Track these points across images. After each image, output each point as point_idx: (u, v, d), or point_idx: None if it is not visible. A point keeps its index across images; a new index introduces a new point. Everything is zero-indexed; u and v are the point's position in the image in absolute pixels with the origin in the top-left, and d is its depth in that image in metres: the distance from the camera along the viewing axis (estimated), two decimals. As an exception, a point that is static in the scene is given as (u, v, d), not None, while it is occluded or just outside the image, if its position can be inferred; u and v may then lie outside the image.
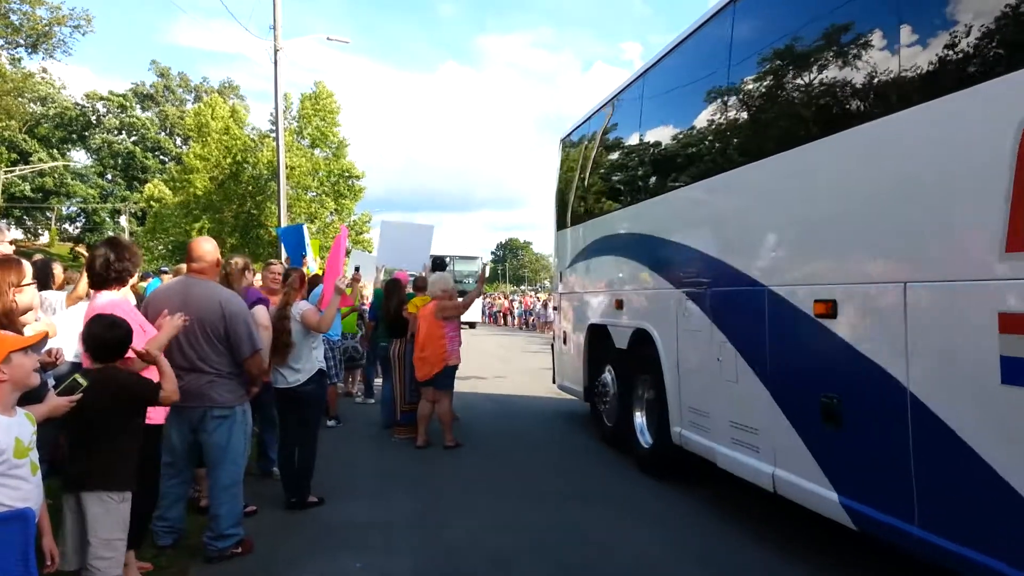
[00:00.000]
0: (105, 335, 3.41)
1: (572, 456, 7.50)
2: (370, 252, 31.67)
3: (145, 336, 3.91)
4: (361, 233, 36.02)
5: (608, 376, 7.86)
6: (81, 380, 3.20)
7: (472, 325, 33.77)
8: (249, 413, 4.77)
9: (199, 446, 4.57)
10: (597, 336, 7.86)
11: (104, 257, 3.99)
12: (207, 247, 4.66)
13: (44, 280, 5.62)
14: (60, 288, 6.05)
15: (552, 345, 9.67)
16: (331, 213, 34.83)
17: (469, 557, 4.60)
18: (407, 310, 8.43)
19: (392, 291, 8.71)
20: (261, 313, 5.41)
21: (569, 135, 9.47)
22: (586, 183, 8.41)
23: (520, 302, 43.70)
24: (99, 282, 4.02)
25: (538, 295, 43.61)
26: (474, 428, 8.81)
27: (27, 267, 3.50)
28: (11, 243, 4.65)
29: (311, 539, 4.94)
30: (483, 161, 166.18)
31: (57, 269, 6.16)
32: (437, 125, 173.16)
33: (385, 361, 8.90)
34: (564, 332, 9.25)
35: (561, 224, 9.41)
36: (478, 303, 35.36)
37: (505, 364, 17.61)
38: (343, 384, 10.87)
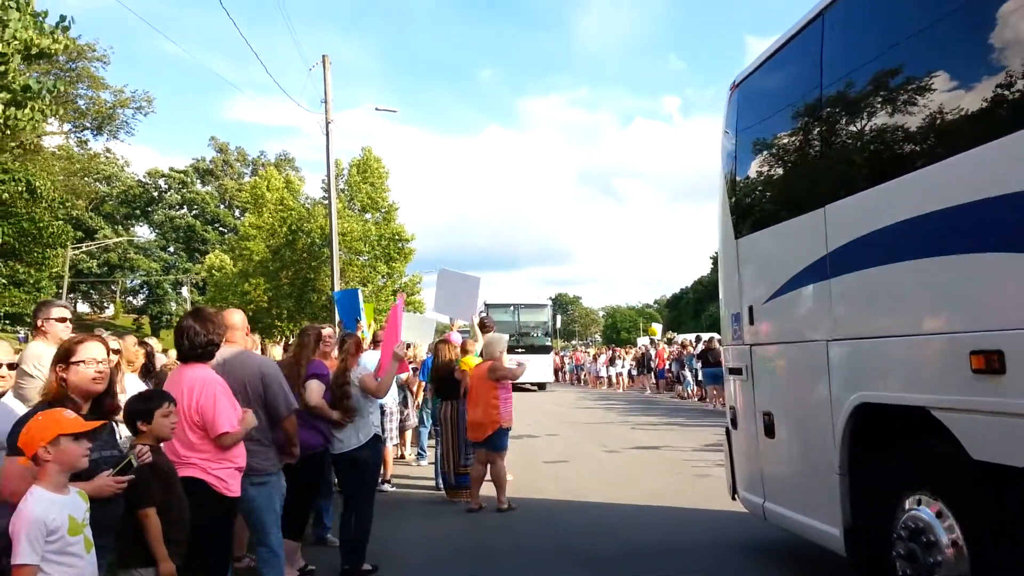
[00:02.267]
0: (131, 407, 3.51)
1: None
2: (422, 313, 32.01)
3: (236, 411, 4.01)
4: (412, 294, 36.45)
5: (929, 516, 3.57)
6: (135, 461, 3.25)
7: (542, 387, 30.80)
8: (283, 479, 4.81)
9: None
10: (880, 427, 4.02)
11: (191, 329, 4.00)
12: (237, 318, 4.84)
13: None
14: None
15: (727, 433, 5.90)
16: (383, 276, 35.42)
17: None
18: (459, 369, 8.42)
19: (440, 351, 8.66)
20: (314, 387, 5.51)
21: (753, 75, 5.66)
22: (841, 139, 4.42)
23: (571, 357, 43.45)
24: (187, 356, 4.06)
25: (588, 350, 43.28)
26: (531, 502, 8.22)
27: (88, 345, 3.48)
28: (64, 319, 4.66)
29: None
30: (528, 219, 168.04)
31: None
32: (483, 186, 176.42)
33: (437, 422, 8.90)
34: (766, 414, 5.09)
35: (743, 227, 5.54)
36: (550, 361, 32.34)
37: (560, 421, 17.39)
38: (394, 447, 10.86)
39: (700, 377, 21.94)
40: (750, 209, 5.66)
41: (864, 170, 4.18)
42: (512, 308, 30.75)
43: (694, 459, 10.84)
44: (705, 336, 24.60)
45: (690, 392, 23.76)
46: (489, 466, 7.83)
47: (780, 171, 5.30)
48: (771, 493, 5.19)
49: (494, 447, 7.76)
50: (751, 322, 5.38)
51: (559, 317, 35.68)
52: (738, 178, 5.78)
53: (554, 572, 5.67)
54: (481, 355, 8.36)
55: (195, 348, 4.02)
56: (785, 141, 5.14)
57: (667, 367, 27.00)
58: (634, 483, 9.18)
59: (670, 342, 31.15)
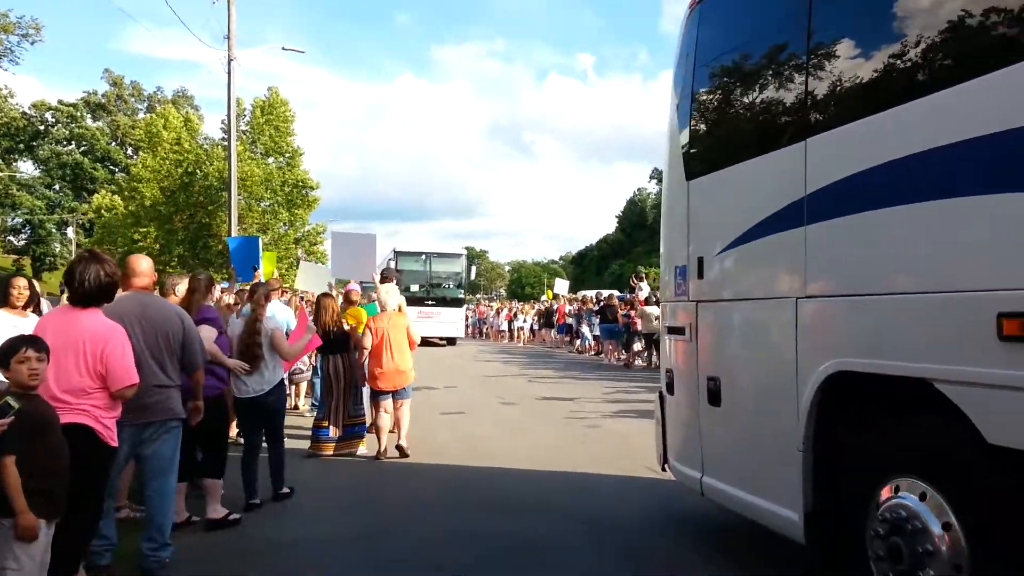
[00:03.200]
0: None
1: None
2: (323, 264, 31.41)
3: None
4: (315, 244, 35.76)
5: (917, 504, 3.07)
6: (13, 403, 3.17)
7: (452, 342, 28.95)
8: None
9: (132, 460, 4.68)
10: (857, 400, 3.49)
11: (88, 272, 3.90)
12: (146, 264, 4.78)
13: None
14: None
15: (660, 398, 5.43)
16: (284, 224, 34.53)
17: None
18: (347, 323, 8.33)
19: (324, 306, 8.24)
20: (206, 332, 5.47)
21: None
22: (834, 57, 3.63)
23: (475, 311, 43.71)
24: (82, 299, 3.94)
25: (492, 304, 43.59)
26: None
27: None
28: None
29: (242, 554, 5.01)
30: (439, 170, 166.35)
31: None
32: (393, 135, 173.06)
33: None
34: (712, 380, 4.52)
35: (697, 167, 4.84)
36: (462, 315, 30.07)
37: (460, 373, 17.63)
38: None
39: (597, 332, 22.61)
40: (708, 146, 4.85)
41: (865, 94, 3.41)
42: (424, 257, 28.94)
43: (585, 411, 11.30)
44: (605, 293, 25.27)
45: (587, 347, 24.46)
46: (396, 412, 8.06)
47: (750, 100, 4.43)
48: (711, 467, 4.64)
49: (405, 395, 8.06)
50: (700, 276, 4.68)
51: (474, 269, 33.81)
52: (695, 110, 4.97)
53: (451, 520, 5.73)
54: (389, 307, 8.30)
55: (90, 292, 3.92)
56: (759, 64, 4.30)
57: (567, 322, 27.65)
58: (529, 433, 9.51)
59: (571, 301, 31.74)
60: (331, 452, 8.03)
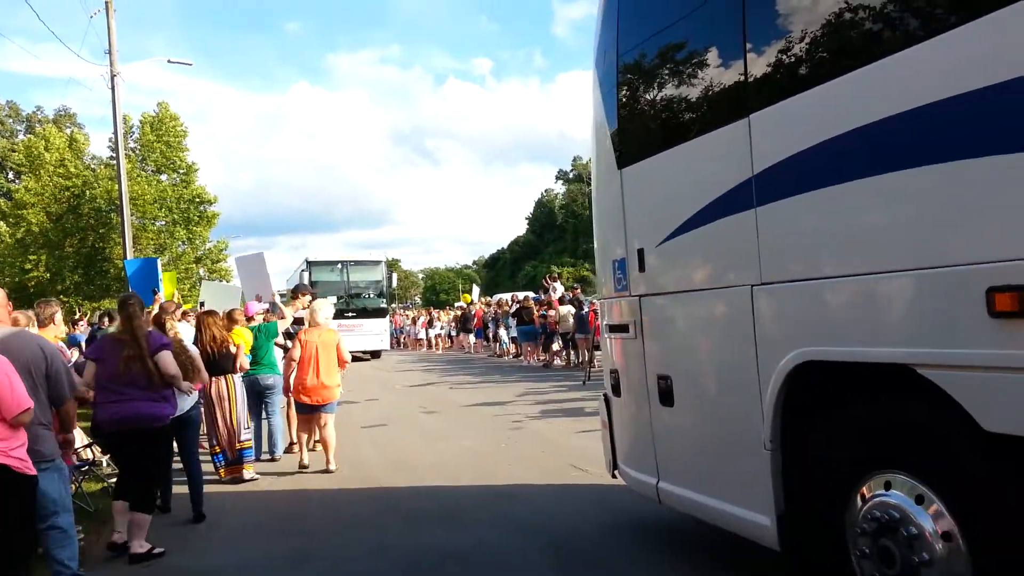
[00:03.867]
0: None
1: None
2: (228, 281, 30.34)
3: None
4: (217, 262, 34.49)
5: (906, 502, 2.84)
6: None
7: (376, 355, 27.18)
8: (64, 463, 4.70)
9: None
10: (825, 391, 3.27)
11: None
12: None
13: None
14: None
15: (606, 401, 5.05)
16: (182, 242, 33.16)
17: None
18: (232, 342, 7.89)
19: (205, 324, 7.76)
20: (168, 359, 5.47)
21: None
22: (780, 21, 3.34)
23: (391, 320, 43.13)
24: None
25: (407, 312, 43.18)
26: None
27: None
28: None
29: None
30: (343, 180, 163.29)
31: None
32: (292, 146, 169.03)
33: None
34: (663, 378, 4.24)
35: (630, 153, 4.51)
36: (386, 326, 28.01)
37: (380, 385, 17.30)
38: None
39: (515, 335, 22.65)
40: (639, 131, 4.52)
41: (815, 61, 3.14)
42: (340, 266, 27.16)
43: (508, 413, 11.24)
44: (520, 295, 25.40)
45: (506, 350, 24.49)
46: (321, 429, 8.03)
47: (682, 77, 4.05)
48: (668, 472, 4.31)
49: (330, 410, 8.02)
50: (641, 269, 4.37)
51: (394, 276, 31.30)
52: (622, 94, 4.59)
53: (380, 535, 5.58)
54: (308, 322, 8.49)
55: None
56: (690, 37, 3.96)
57: (484, 326, 27.62)
58: (453, 441, 9.37)
59: (488, 304, 31.68)
60: (223, 476, 7.68)
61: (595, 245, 5.13)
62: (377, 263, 28.47)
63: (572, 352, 18.63)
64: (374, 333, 26.23)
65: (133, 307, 5.49)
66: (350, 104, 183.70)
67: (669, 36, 4.14)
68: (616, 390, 4.84)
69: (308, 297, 9.75)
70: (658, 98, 4.34)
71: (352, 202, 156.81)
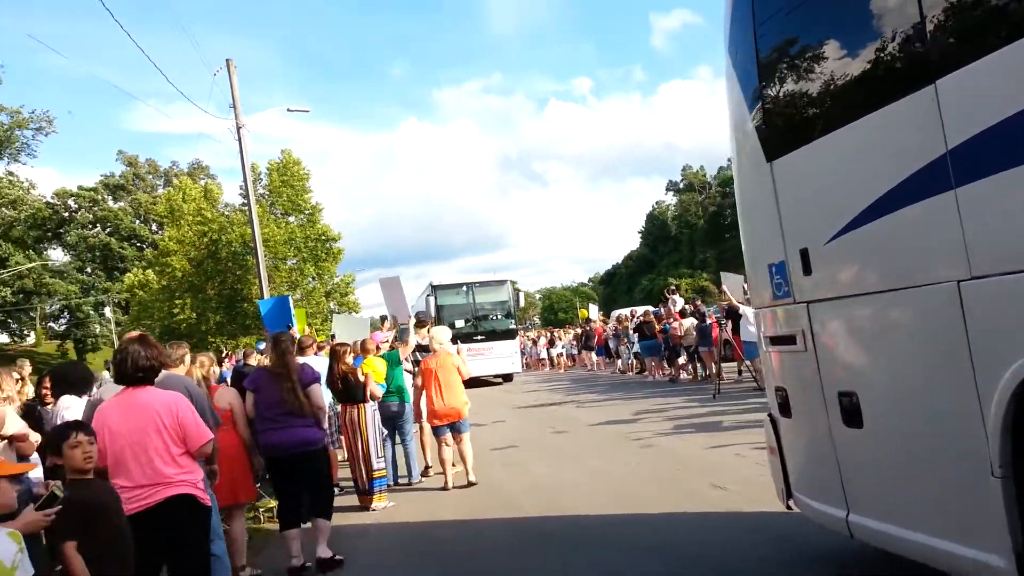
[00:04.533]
0: (48, 440, 3.48)
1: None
2: (356, 313, 31.51)
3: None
4: (345, 295, 36.00)
5: None
6: (59, 491, 3.16)
7: (508, 378, 25.84)
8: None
9: None
10: None
11: (137, 354, 4.03)
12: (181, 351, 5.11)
13: (81, 385, 5.57)
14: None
15: (772, 423, 4.51)
16: (312, 278, 34.84)
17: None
18: (362, 371, 8.10)
19: (338, 354, 8.10)
20: (317, 392, 6.05)
21: None
22: None
23: (519, 342, 43.49)
24: (132, 380, 4.07)
25: (528, 334, 43.29)
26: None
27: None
28: None
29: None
30: (456, 208, 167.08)
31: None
32: (406, 180, 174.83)
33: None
34: (846, 396, 3.66)
35: (782, 143, 3.97)
36: (516, 348, 26.23)
37: (506, 407, 17.44)
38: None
39: (637, 350, 22.34)
40: (792, 114, 3.97)
41: None
42: (465, 288, 25.69)
43: (637, 431, 11.05)
44: (640, 310, 25.04)
45: (629, 366, 24.16)
46: (458, 445, 8.46)
47: (845, 44, 3.50)
48: (861, 503, 3.68)
49: (463, 428, 8.46)
50: (806, 271, 3.81)
51: (521, 295, 30.02)
52: (766, 74, 4.03)
53: (520, 559, 5.60)
54: (431, 348, 8.89)
55: (139, 371, 4.04)
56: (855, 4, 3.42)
57: (605, 343, 27.38)
58: (584, 461, 9.28)
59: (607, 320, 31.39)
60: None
61: (743, 249, 4.57)
62: (503, 283, 26.66)
63: (698, 365, 18.18)
64: (505, 356, 24.81)
65: (286, 343, 6.01)
66: (458, 135, 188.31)
67: (821, 9, 3.62)
68: (785, 410, 4.24)
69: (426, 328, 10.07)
70: (813, 74, 3.73)
71: (467, 229, 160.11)
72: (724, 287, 15.61)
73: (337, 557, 5.86)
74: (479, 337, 24.15)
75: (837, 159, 3.56)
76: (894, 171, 3.16)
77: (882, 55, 3.26)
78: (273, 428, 5.80)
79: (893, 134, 3.20)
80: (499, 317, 25.69)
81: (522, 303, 29.42)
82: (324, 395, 6.59)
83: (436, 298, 24.73)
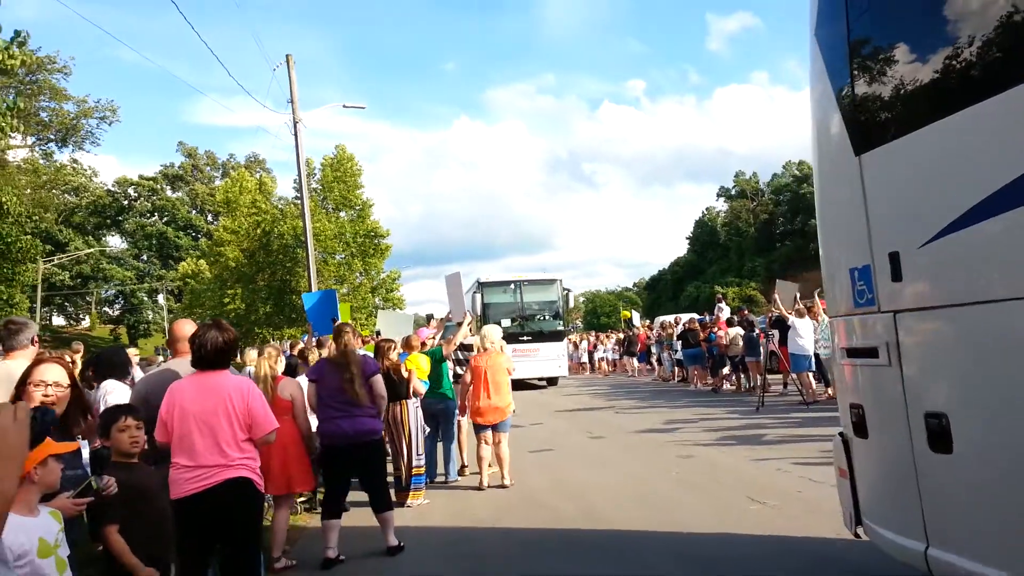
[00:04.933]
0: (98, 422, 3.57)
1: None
2: (401, 310, 31.77)
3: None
4: (391, 291, 36.36)
5: None
6: (94, 484, 3.24)
7: (553, 382, 24.72)
8: None
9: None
10: None
11: (214, 339, 4.15)
12: (188, 328, 4.84)
13: (122, 369, 5.74)
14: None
15: (844, 442, 4.11)
16: (360, 274, 35.27)
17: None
18: (405, 368, 8.23)
19: (382, 352, 8.07)
20: (380, 383, 6.30)
21: None
22: None
23: (567, 345, 43.38)
24: (209, 364, 4.17)
25: (569, 338, 42.83)
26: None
27: (43, 368, 3.57)
28: (38, 339, 4.82)
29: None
30: (503, 208, 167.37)
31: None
32: (455, 178, 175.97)
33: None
34: (935, 417, 3.30)
35: (875, 134, 3.63)
36: (563, 350, 24.97)
37: (544, 409, 17.42)
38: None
39: (680, 358, 22.12)
40: (888, 102, 3.59)
41: None
42: (513, 286, 24.61)
43: (677, 439, 10.95)
44: (684, 317, 24.77)
45: (671, 374, 23.94)
46: (496, 446, 8.55)
47: (955, 21, 3.20)
48: (944, 536, 3.34)
49: (504, 428, 8.58)
50: (896, 277, 3.46)
51: (571, 296, 27.65)
52: (859, 56, 3.71)
53: (552, 560, 5.65)
54: (477, 348, 9.26)
55: (215, 356, 4.16)
56: None
57: (648, 350, 27.15)
58: (620, 467, 9.23)
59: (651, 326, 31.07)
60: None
61: (820, 251, 4.23)
62: (552, 282, 25.32)
63: (743, 376, 17.91)
64: (551, 358, 23.67)
65: (348, 335, 6.21)
66: (509, 135, 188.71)
67: None
68: (860, 429, 3.86)
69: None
70: (917, 57, 3.36)
71: (513, 229, 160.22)
72: (776, 295, 15.36)
73: (401, 544, 6.10)
74: (525, 337, 23.11)
75: (941, 151, 3.22)
76: (1011, 164, 2.83)
77: (1002, 32, 2.91)
78: (336, 417, 5.98)
79: (1007, 123, 2.87)
80: (547, 317, 24.77)
81: (571, 304, 27.53)
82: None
83: (483, 296, 24.05)
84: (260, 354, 6.22)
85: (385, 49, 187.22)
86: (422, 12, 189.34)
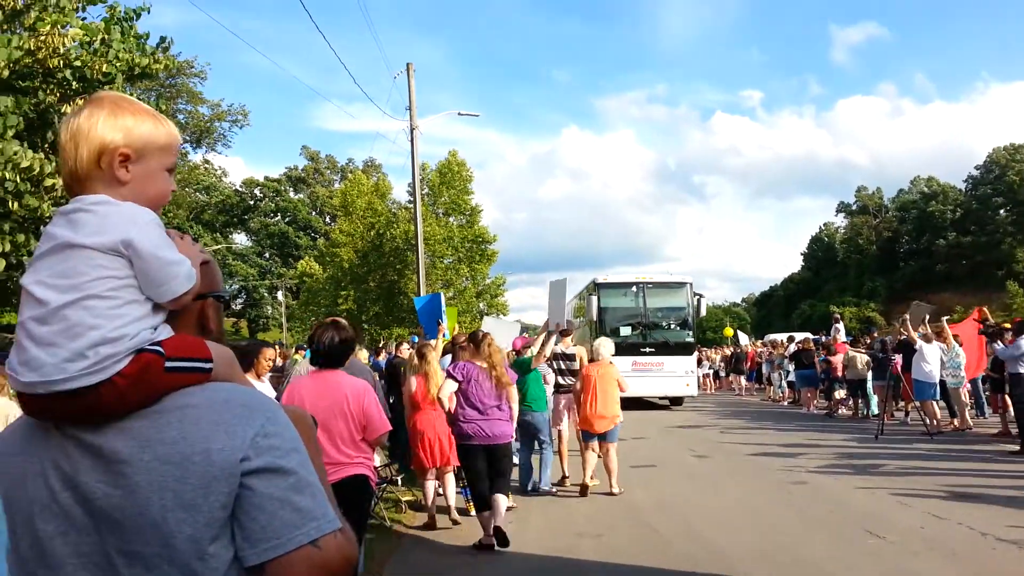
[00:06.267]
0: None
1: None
2: (505, 315, 31.99)
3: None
4: (496, 296, 36.69)
5: None
6: None
7: (678, 402, 21.28)
8: None
9: None
10: None
11: (333, 338, 4.31)
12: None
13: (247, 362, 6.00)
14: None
15: None
16: (466, 278, 35.78)
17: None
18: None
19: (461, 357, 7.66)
20: (514, 391, 6.78)
21: None
22: None
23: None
24: (328, 362, 4.35)
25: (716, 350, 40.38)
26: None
27: None
28: None
29: None
30: (610, 218, 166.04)
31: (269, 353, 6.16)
32: (563, 186, 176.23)
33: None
34: None
35: None
36: (692, 366, 21.37)
37: (648, 423, 17.02)
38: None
39: (792, 378, 21.26)
40: None
41: None
42: (635, 289, 21.13)
43: (787, 464, 10.49)
44: (798, 336, 23.78)
45: (781, 395, 23.05)
46: (605, 456, 8.74)
47: None
48: None
49: (612, 438, 8.73)
50: None
51: (703, 303, 23.09)
52: None
53: None
54: (588, 358, 9.40)
55: (328, 354, 4.31)
56: None
57: (758, 368, 26.28)
58: (726, 488, 8.96)
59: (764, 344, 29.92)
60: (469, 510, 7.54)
61: None
62: (682, 285, 21.61)
63: (860, 400, 17.02)
64: (678, 375, 20.24)
65: (491, 340, 6.69)
66: (617, 144, 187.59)
67: None
68: None
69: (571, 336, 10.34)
70: None
71: (619, 239, 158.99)
72: (907, 316, 14.49)
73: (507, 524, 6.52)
74: (648, 349, 20.06)
75: None
76: None
77: None
78: (480, 419, 6.36)
79: None
80: (674, 327, 21.31)
81: (703, 312, 23.26)
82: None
83: (599, 298, 20.76)
84: (375, 352, 6.52)
85: (498, 56, 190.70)
86: (536, 21, 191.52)
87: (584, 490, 8.59)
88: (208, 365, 1.24)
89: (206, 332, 1.35)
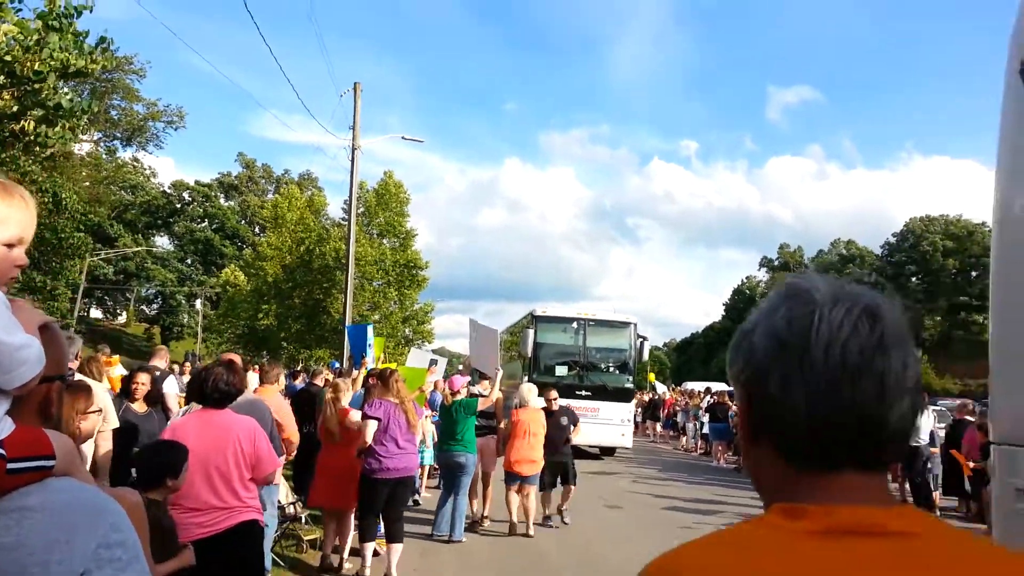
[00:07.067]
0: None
1: None
2: (429, 343, 31.71)
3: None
4: (422, 323, 36.39)
5: None
6: None
7: (610, 452, 19.41)
8: None
9: None
10: None
11: (222, 378, 4.13)
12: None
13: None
14: None
15: None
16: (394, 302, 35.41)
17: None
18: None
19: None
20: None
21: None
22: None
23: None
24: (215, 402, 4.14)
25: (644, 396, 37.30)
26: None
27: (96, 393, 3.62)
28: (78, 332, 4.91)
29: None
30: (543, 253, 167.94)
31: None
32: (499, 217, 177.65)
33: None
34: None
35: None
36: (629, 414, 19.61)
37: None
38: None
39: (706, 431, 21.70)
40: None
41: None
42: (575, 325, 19.44)
43: (700, 521, 10.57)
44: (715, 387, 24.34)
45: (694, 445, 23.49)
46: (525, 498, 9.02)
47: None
48: None
49: (533, 481, 9.07)
50: None
51: (646, 346, 20.71)
52: None
53: None
54: (519, 403, 9.49)
55: (221, 395, 4.14)
56: None
57: (672, 416, 26.74)
58: (640, 543, 8.87)
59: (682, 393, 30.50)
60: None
61: (992, 345, 3.18)
62: (626, 325, 19.94)
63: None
64: (613, 423, 18.32)
65: (399, 378, 6.93)
66: (557, 180, 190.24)
67: None
68: None
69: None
70: None
71: (551, 274, 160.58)
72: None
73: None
74: (583, 392, 18.15)
75: None
76: None
77: None
78: (394, 454, 6.52)
79: None
80: (613, 370, 19.76)
81: (645, 356, 21.28)
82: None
83: (536, 332, 18.89)
84: (264, 381, 6.84)
85: (449, 80, 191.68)
86: (491, 49, 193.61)
87: (512, 528, 8.97)
88: (51, 463, 1.15)
89: (47, 419, 1.25)
